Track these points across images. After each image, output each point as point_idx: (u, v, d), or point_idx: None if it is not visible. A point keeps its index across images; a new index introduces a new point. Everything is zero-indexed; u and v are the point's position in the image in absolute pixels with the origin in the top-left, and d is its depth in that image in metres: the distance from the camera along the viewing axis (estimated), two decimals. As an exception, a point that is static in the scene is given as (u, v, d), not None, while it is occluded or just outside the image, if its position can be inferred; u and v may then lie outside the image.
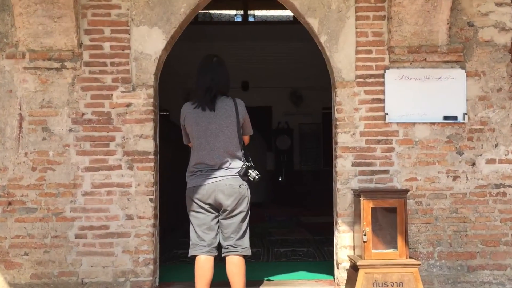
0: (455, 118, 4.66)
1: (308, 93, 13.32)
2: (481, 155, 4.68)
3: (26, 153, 4.61)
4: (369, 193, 4.30)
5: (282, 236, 7.93)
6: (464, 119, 4.66)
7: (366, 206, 4.23)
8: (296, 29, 13.64)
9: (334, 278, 4.85)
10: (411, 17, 4.58)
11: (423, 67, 4.72)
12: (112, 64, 4.68)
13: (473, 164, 4.68)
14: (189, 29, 4.99)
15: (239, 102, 3.72)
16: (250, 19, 13.38)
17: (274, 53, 12.91)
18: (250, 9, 13.16)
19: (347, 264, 4.59)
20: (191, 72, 11.83)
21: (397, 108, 4.67)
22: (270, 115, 13.28)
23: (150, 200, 4.62)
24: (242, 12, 13.17)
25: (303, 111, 13.34)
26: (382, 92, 4.69)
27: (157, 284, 4.75)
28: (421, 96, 4.69)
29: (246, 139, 3.92)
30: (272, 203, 12.93)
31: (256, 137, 12.63)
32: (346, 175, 4.67)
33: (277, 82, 13.23)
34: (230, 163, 3.65)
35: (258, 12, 13.52)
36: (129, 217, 4.60)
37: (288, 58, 12.96)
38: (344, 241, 4.65)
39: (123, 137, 4.64)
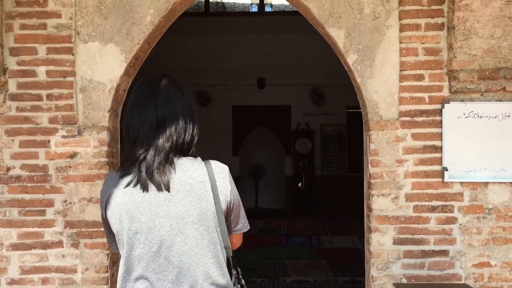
0: (550, 176, 3.06)
1: (330, 90, 11.65)
2: None
3: None
4: (423, 300, 2.75)
5: (299, 276, 6.42)
6: (561, 177, 3.06)
7: (419, 321, 2.70)
8: (317, 19, 11.96)
9: None
10: (484, 27, 2.96)
11: (500, 100, 3.09)
12: (49, 97, 3.17)
13: None
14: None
15: (218, 170, 1.73)
16: (267, 9, 11.70)
17: (293, 47, 11.27)
18: (267, -2, 11.51)
19: None
20: (202, 69, 10.14)
21: (461, 160, 3.07)
22: (288, 115, 11.70)
23: (104, 291, 3.16)
24: (258, 1, 11.51)
25: (325, 111, 11.69)
26: (439, 136, 3.10)
27: None
28: (498, 143, 3.08)
29: (238, 239, 1.88)
30: (291, 211, 11.44)
31: (273, 140, 11.06)
32: (385, 257, 3.11)
33: (297, 78, 11.60)
34: None
35: (275, 1, 11.83)
36: (74, 316, 3.16)
37: (308, 52, 11.30)
38: None
39: (65, 201, 3.17)
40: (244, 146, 11.88)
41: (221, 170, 1.72)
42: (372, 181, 3.13)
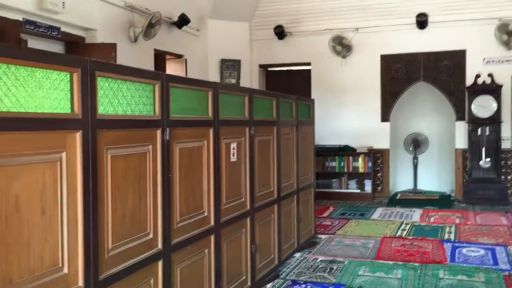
0: None
1: (529, 25, 7.53)
2: None
3: None
4: None
5: None
6: None
7: None
8: None
9: None
10: None
11: None
12: None
13: None
14: None
15: None
16: None
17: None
18: None
19: None
20: (338, 7, 6.57)
21: None
22: (462, 65, 7.88)
23: None
24: None
25: (519, 56, 7.64)
26: None
27: None
28: None
29: None
30: (465, 199, 7.74)
31: (439, 99, 7.36)
32: None
33: (475, 11, 7.71)
34: None
35: None
36: None
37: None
38: None
39: None
40: (397, 109, 8.41)
41: None
42: None
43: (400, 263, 4.65)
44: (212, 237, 3.22)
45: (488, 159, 7.60)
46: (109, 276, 2.23)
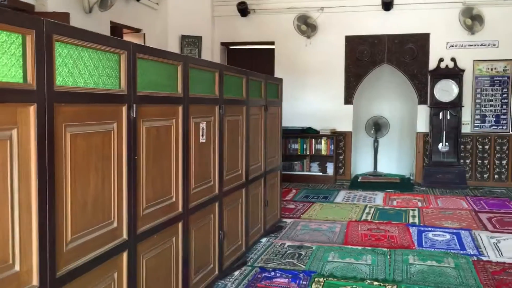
0: None
1: (492, 11, 7.57)
2: None
3: None
4: None
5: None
6: None
7: None
8: None
9: None
10: None
11: None
12: None
13: None
14: None
15: None
16: None
17: None
18: None
19: None
20: None
21: None
22: (426, 48, 7.86)
23: None
24: None
25: (482, 41, 7.67)
26: None
27: None
28: None
29: None
30: (426, 183, 7.78)
31: (402, 83, 7.29)
32: None
33: (441, -6, 7.68)
34: None
35: None
36: None
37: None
38: None
39: None
40: (360, 91, 8.33)
41: None
42: None
43: (369, 248, 4.56)
44: (180, 225, 2.97)
45: (447, 144, 7.65)
46: (68, 271, 1.94)
